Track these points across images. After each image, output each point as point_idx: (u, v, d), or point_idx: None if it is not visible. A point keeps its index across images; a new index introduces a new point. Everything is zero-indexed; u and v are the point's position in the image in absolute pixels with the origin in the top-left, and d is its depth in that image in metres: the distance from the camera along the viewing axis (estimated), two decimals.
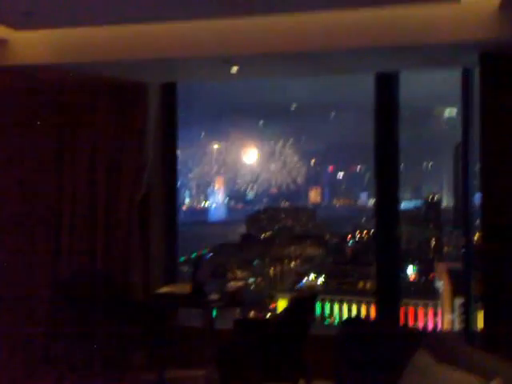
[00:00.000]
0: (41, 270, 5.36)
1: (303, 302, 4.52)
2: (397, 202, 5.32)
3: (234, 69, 4.87)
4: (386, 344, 3.72)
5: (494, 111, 4.39)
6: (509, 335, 4.22)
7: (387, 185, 5.28)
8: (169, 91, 5.63)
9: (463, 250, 5.21)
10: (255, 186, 9.29)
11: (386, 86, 5.20)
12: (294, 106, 8.52)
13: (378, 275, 5.34)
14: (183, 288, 4.78)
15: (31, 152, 5.41)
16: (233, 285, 4.81)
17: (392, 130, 5.30)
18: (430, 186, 8.99)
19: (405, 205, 9.08)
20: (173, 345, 5.16)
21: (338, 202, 9.39)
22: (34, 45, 4.84)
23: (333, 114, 8.65)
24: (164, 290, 4.87)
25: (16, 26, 4.66)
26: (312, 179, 9.25)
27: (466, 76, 4.98)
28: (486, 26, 4.11)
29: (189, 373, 5.14)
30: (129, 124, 5.28)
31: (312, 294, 4.57)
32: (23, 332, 5.23)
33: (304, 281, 9.29)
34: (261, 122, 8.69)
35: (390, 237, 5.27)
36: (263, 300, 8.64)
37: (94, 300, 4.90)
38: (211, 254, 9.61)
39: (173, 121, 5.72)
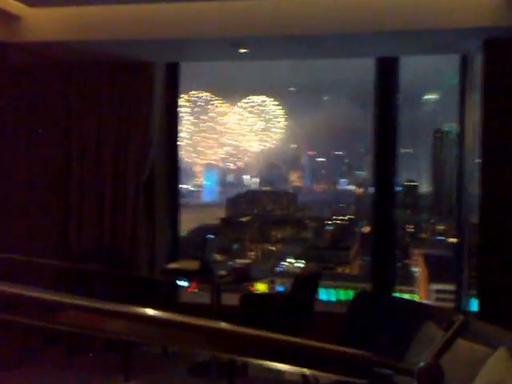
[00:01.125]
0: (51, 245, 5.34)
1: (308, 279, 4.59)
2: (394, 186, 5.41)
3: (241, 51, 4.91)
4: (395, 317, 3.82)
5: (497, 97, 4.49)
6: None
7: (385, 170, 5.37)
8: (172, 71, 5.61)
9: (456, 239, 5.30)
10: (237, 169, 9.30)
11: (387, 70, 5.28)
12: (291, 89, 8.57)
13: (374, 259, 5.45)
14: (192, 264, 4.81)
15: (40, 129, 5.37)
16: (240, 261, 4.87)
17: (391, 114, 5.38)
18: (408, 172, 9.14)
19: None
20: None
21: (318, 187, 9.47)
22: (46, 22, 4.81)
23: (324, 98, 8.72)
24: (173, 265, 4.89)
25: (29, 2, 4.60)
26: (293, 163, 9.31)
27: (465, 63, 5.08)
28: (489, 12, 4.17)
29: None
30: (135, 103, 5.27)
31: (316, 272, 4.63)
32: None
33: (283, 265, 9.36)
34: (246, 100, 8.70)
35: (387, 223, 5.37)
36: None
37: (101, 274, 4.91)
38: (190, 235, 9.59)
39: (175, 101, 5.71)
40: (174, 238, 5.74)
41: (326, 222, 9.60)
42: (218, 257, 9.30)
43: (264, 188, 9.56)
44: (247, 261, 4.96)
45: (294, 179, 9.50)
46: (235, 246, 9.59)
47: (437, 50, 5.02)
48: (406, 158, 8.97)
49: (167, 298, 5.07)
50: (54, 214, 5.38)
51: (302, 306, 4.45)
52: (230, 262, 4.84)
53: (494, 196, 4.51)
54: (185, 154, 9.08)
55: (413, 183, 8.84)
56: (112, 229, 5.27)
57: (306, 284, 4.53)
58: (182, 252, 8.80)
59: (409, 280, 8.85)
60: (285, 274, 9.23)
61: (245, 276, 4.67)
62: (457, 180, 5.19)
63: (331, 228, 9.23)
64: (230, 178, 9.59)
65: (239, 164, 9.28)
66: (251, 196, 9.60)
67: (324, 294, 8.89)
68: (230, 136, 9.20)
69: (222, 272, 4.66)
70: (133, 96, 5.29)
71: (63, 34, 4.74)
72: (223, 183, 9.63)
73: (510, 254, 4.45)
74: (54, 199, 5.40)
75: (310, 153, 9.43)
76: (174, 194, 5.71)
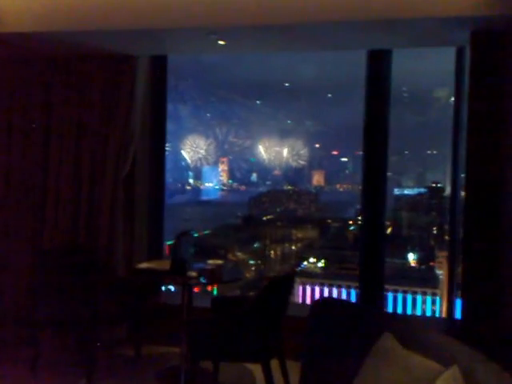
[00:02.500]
0: (25, 240, 5.38)
1: (281, 282, 4.45)
2: (384, 185, 5.21)
3: (221, 42, 4.80)
4: (353, 326, 3.65)
5: (483, 90, 4.26)
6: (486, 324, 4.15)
7: (375, 167, 5.17)
8: (159, 64, 5.56)
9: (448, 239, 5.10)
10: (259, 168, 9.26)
11: (378, 63, 5.08)
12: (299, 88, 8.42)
13: (363, 261, 5.28)
14: (163, 264, 4.74)
15: (18, 121, 5.42)
16: (211, 262, 4.75)
17: (383, 110, 5.16)
18: (434, 173, 8.84)
19: (408, 191, 8.97)
20: (151, 321, 5.15)
21: (341, 187, 9.30)
22: (21, 13, 4.79)
23: (340, 95, 8.54)
24: (143, 265, 4.84)
25: None
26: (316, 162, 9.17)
27: (460, 55, 4.85)
28: (477, 2, 4.00)
29: (165, 349, 5.13)
30: (116, 97, 5.24)
31: (289, 274, 4.50)
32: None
33: (304, 264, 9.23)
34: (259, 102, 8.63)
35: (377, 222, 5.19)
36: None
37: (74, 272, 4.90)
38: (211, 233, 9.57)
39: (162, 95, 5.65)
40: (158, 237, 5.65)
41: (348, 222, 9.43)
42: (240, 255, 9.28)
43: (286, 187, 9.47)
44: (219, 262, 4.83)
45: (317, 179, 9.36)
46: (256, 245, 9.52)
47: (428, 42, 4.80)
48: (431, 160, 8.70)
49: (135, 298, 4.99)
50: (29, 210, 5.40)
51: (273, 309, 4.31)
52: (201, 264, 4.72)
53: (476, 195, 4.30)
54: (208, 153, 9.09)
55: (438, 185, 8.53)
56: (87, 226, 5.24)
57: (278, 286, 4.39)
58: (201, 250, 8.79)
59: (433, 282, 8.61)
60: (305, 274, 9.12)
61: (216, 278, 4.55)
62: None
63: (354, 228, 9.04)
64: (254, 177, 9.53)
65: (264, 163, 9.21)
66: (274, 195, 9.51)
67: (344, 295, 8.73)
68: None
69: (193, 273, 4.56)
70: (114, 90, 5.26)
71: (39, 25, 4.69)
72: (247, 182, 9.59)
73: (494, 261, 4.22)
74: (30, 194, 5.41)
75: (334, 152, 9.27)
76: (158, 190, 5.64)
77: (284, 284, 4.46)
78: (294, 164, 9.01)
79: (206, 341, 4.20)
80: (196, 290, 6.32)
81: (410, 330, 3.23)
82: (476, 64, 4.35)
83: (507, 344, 3.97)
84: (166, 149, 5.87)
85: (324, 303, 4.06)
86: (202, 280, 4.56)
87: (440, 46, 4.95)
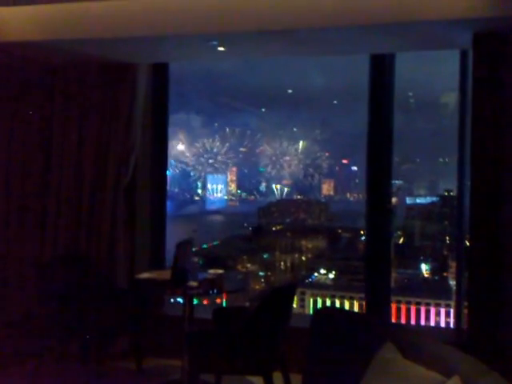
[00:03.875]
0: (26, 250, 5.33)
1: (282, 291, 4.34)
2: (389, 193, 5.09)
3: (221, 49, 4.74)
4: (354, 336, 3.57)
5: (486, 93, 4.14)
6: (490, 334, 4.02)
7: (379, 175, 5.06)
8: (160, 72, 5.51)
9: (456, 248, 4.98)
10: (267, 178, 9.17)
11: (381, 68, 4.98)
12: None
13: (368, 272, 5.16)
14: (164, 274, 4.66)
15: (18, 132, 5.39)
16: (212, 272, 4.66)
17: (388, 115, 5.06)
18: (447, 181, 8.67)
19: (420, 200, 8.81)
20: (152, 333, 5.07)
21: (351, 196, 9.19)
22: (19, 21, 4.76)
23: (347, 102, 8.44)
24: (144, 275, 4.76)
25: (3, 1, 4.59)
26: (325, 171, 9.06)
27: (464, 58, 4.74)
28: (479, 4, 3.92)
29: (166, 362, 5.04)
30: (116, 106, 5.19)
31: (291, 283, 4.39)
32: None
33: (315, 275, 9.10)
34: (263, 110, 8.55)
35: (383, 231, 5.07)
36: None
37: (74, 284, 4.84)
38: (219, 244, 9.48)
39: (163, 104, 5.60)
40: (159, 247, 5.57)
41: (359, 231, 9.28)
42: (249, 266, 9.18)
43: (296, 197, 9.36)
44: (219, 271, 4.73)
45: (327, 188, 9.24)
46: (266, 256, 9.42)
47: (431, 45, 4.70)
48: (444, 167, 8.54)
49: (135, 309, 4.91)
50: (30, 220, 5.35)
51: (274, 319, 4.20)
52: (205, 274, 4.63)
53: (482, 202, 4.16)
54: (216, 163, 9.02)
55: (451, 193, 8.36)
56: (88, 236, 5.18)
57: (280, 296, 4.28)
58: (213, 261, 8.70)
59: (447, 293, 8.43)
60: (316, 285, 8.97)
61: (216, 287, 4.47)
62: None
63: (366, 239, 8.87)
64: (263, 187, 9.45)
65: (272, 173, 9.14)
66: (283, 205, 9.41)
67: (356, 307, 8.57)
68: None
69: (194, 283, 4.47)
70: (114, 98, 5.21)
71: (37, 34, 4.66)
72: (256, 192, 9.50)
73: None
74: (30, 204, 5.36)
75: (344, 161, 9.16)
76: (160, 200, 5.57)
77: (286, 294, 4.36)
78: (302, 173, 8.92)
79: (206, 353, 4.11)
80: (205, 302, 6.24)
81: (412, 340, 3.13)
82: (479, 66, 4.26)
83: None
84: (171, 158, 5.80)
85: (326, 313, 3.97)
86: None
87: (443, 48, 4.87)
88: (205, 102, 8.49)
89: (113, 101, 5.20)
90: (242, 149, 9.18)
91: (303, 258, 9.20)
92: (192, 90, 8.20)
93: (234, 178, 9.37)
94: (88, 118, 5.25)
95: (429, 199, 8.77)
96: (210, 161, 9.10)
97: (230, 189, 9.36)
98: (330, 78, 7.78)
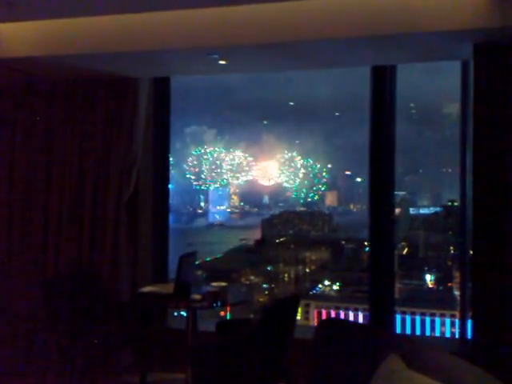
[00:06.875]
0: (27, 268, 5.32)
1: (285, 303, 4.34)
2: (392, 204, 5.09)
3: (222, 62, 4.75)
4: (359, 347, 3.55)
5: (487, 103, 4.14)
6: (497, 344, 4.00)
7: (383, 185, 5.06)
8: (162, 86, 5.53)
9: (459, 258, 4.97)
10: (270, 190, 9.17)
11: (382, 79, 4.99)
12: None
13: (372, 282, 5.14)
14: (167, 287, 4.66)
15: (20, 144, 5.41)
16: (215, 285, 4.65)
17: (389, 126, 5.06)
18: (451, 192, 8.66)
19: (424, 211, 8.79)
20: (156, 347, 5.05)
21: (355, 207, 9.17)
22: (22, 37, 4.79)
23: (350, 114, 8.44)
24: (147, 289, 4.76)
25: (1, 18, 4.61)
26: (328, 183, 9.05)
27: (465, 70, 4.75)
28: (480, 15, 3.93)
29: (170, 376, 5.02)
30: (118, 118, 5.20)
31: (294, 295, 4.39)
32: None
33: (319, 287, 9.08)
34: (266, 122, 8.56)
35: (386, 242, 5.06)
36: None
37: (78, 299, 4.83)
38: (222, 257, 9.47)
39: (166, 116, 5.61)
40: (162, 260, 5.57)
41: (363, 243, 9.25)
42: (252, 278, 9.15)
43: (299, 208, 9.34)
44: (222, 284, 4.73)
45: (330, 199, 9.23)
46: (269, 268, 9.39)
47: (432, 56, 4.71)
48: (447, 178, 8.53)
49: (139, 323, 4.90)
50: (32, 233, 5.35)
51: (278, 331, 4.19)
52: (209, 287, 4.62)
53: (484, 212, 4.15)
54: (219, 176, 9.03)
55: (455, 203, 8.35)
56: (91, 250, 5.18)
57: (283, 308, 4.27)
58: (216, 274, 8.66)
59: (452, 303, 8.40)
60: (320, 297, 8.94)
61: (220, 300, 4.46)
62: None
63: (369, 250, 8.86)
64: (266, 199, 9.45)
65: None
66: (286, 217, 9.39)
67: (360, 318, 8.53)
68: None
69: (197, 296, 4.47)
70: (116, 112, 5.23)
71: (37, 50, 4.70)
72: (259, 205, 9.50)
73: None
74: (32, 217, 5.36)
75: (347, 172, 9.15)
76: (162, 213, 5.57)
77: (289, 306, 4.35)
78: (305, 183, 8.91)
79: (210, 367, 4.10)
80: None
81: (416, 350, 3.11)
82: (480, 77, 4.25)
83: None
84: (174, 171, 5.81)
85: (330, 324, 3.95)
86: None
87: (444, 60, 4.88)
88: (210, 115, 8.51)
89: (114, 115, 5.22)
90: (245, 161, 9.19)
91: (307, 270, 9.17)
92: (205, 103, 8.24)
93: (237, 191, 9.37)
94: (89, 131, 5.27)
95: (432, 209, 8.76)
96: (213, 174, 9.11)
97: (232, 201, 9.36)
98: (333, 90, 7.80)
